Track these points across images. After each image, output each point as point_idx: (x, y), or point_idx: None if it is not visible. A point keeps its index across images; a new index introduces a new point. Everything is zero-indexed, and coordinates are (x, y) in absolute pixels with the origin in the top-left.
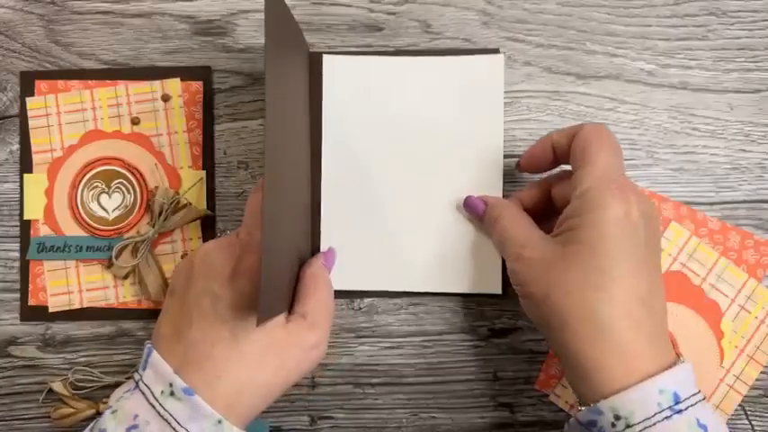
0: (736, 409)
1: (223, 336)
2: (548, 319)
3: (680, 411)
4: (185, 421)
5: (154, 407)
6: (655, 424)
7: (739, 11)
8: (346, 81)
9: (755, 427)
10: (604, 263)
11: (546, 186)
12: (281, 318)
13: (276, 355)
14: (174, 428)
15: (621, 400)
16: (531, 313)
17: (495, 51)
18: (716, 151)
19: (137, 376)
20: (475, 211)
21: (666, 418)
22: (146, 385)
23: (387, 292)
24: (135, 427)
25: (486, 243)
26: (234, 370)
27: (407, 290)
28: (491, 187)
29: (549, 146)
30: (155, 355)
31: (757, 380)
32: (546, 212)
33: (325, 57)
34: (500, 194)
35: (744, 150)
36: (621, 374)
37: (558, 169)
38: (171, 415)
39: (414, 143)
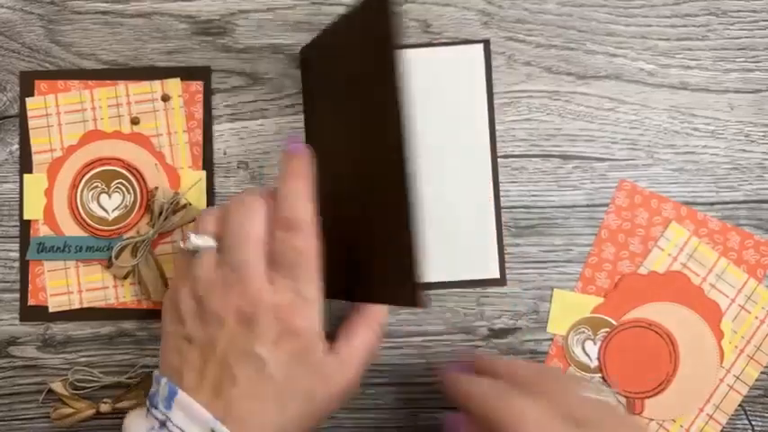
0: (736, 409)
1: (269, 392)
2: None
3: None
4: None
5: None
6: None
7: (739, 11)
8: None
9: (755, 427)
10: None
11: None
12: (325, 355)
13: (316, 407)
14: None
15: None
16: None
17: (486, 42)
18: (716, 151)
19: (159, 415)
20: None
21: None
22: (177, 427)
23: None
24: None
25: (480, 230)
26: (273, 417)
27: None
28: (481, 179)
29: None
30: (183, 396)
31: (757, 380)
32: None
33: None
34: (490, 186)
35: (744, 150)
36: None
37: None
38: None
39: None
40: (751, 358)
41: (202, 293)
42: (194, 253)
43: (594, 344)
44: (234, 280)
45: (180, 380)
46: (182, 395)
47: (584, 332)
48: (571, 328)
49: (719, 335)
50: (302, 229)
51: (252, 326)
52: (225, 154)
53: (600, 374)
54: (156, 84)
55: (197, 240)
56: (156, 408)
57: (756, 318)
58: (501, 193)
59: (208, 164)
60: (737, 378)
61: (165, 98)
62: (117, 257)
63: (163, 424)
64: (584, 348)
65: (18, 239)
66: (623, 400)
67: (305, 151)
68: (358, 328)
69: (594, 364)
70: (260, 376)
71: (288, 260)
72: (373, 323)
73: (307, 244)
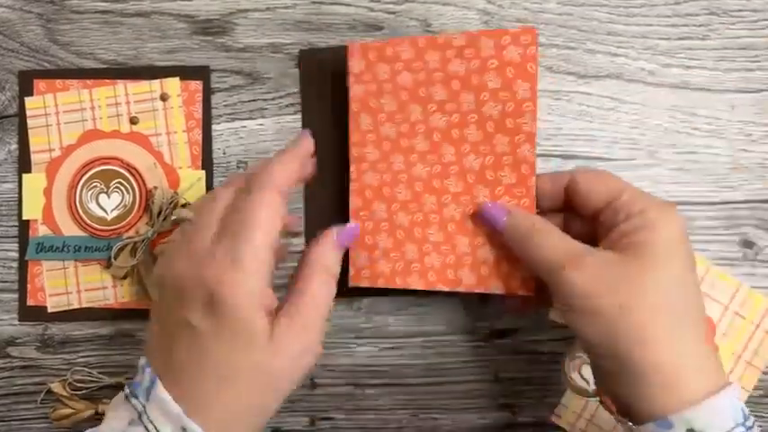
0: None
1: (210, 367)
2: (620, 333)
3: (749, 428)
4: None
5: None
6: None
7: (740, 10)
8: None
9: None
10: (685, 278)
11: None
12: (265, 325)
13: (267, 380)
14: None
15: (698, 411)
16: (594, 328)
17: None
18: (717, 151)
19: (138, 406)
20: (493, 221)
21: None
22: (151, 422)
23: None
24: None
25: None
26: (226, 401)
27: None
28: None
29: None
30: (160, 390)
31: (759, 380)
32: None
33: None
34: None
35: (745, 150)
36: (700, 388)
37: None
38: None
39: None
40: (749, 364)
41: (158, 260)
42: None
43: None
44: (179, 245)
45: (147, 349)
46: (158, 387)
47: (580, 357)
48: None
49: (714, 349)
50: (253, 194)
51: (181, 292)
52: (224, 153)
53: (598, 398)
54: (155, 83)
55: (180, 213)
56: (136, 397)
57: (752, 323)
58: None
59: (207, 163)
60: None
61: (164, 97)
62: (116, 257)
63: (140, 416)
64: (581, 374)
65: (17, 239)
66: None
67: (308, 144)
68: (309, 281)
69: (593, 388)
70: (196, 348)
71: (232, 225)
72: (323, 272)
73: (256, 205)
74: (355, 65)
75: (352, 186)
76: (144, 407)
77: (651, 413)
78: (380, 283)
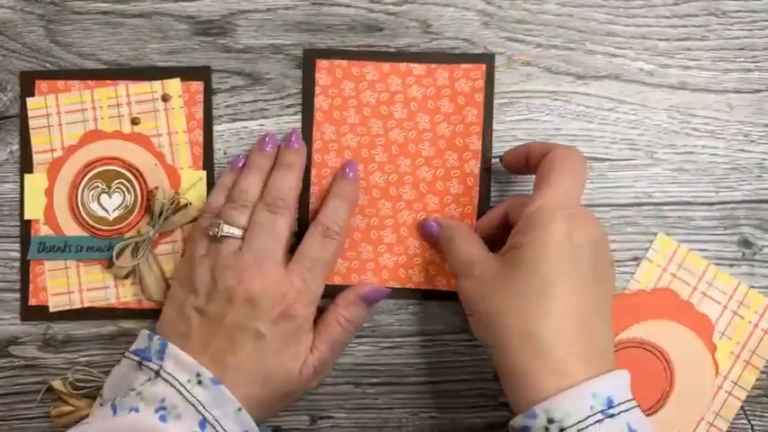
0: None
1: (260, 365)
2: (490, 337)
3: (612, 416)
4: (210, 406)
5: (181, 393)
6: (587, 427)
7: (738, 11)
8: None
9: (755, 427)
10: (542, 282)
11: (503, 211)
12: (311, 339)
13: (286, 390)
14: (200, 411)
15: (555, 402)
16: (477, 331)
17: (490, 56)
18: (715, 151)
19: (154, 366)
20: (429, 234)
21: (599, 421)
22: (169, 374)
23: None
24: (164, 408)
25: None
26: (253, 388)
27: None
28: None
29: (524, 154)
30: (173, 348)
31: (756, 380)
32: (504, 238)
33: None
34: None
35: (743, 150)
36: (555, 389)
37: (514, 193)
38: (198, 400)
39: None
40: (747, 363)
41: (220, 272)
42: (220, 236)
43: None
44: (250, 264)
45: (185, 344)
46: (171, 347)
47: None
48: None
49: (712, 348)
50: (334, 239)
51: (257, 305)
52: (225, 154)
53: None
54: (157, 84)
55: (229, 230)
56: (150, 360)
57: (750, 322)
58: (501, 194)
59: (208, 164)
60: (735, 384)
61: (166, 98)
62: (117, 257)
63: (157, 373)
64: None
65: (19, 239)
66: None
67: (357, 178)
68: (333, 331)
69: None
70: (256, 348)
71: (313, 256)
72: (346, 325)
73: (333, 250)
74: (323, 79)
75: (312, 189)
76: (160, 366)
77: (520, 408)
78: (336, 281)
